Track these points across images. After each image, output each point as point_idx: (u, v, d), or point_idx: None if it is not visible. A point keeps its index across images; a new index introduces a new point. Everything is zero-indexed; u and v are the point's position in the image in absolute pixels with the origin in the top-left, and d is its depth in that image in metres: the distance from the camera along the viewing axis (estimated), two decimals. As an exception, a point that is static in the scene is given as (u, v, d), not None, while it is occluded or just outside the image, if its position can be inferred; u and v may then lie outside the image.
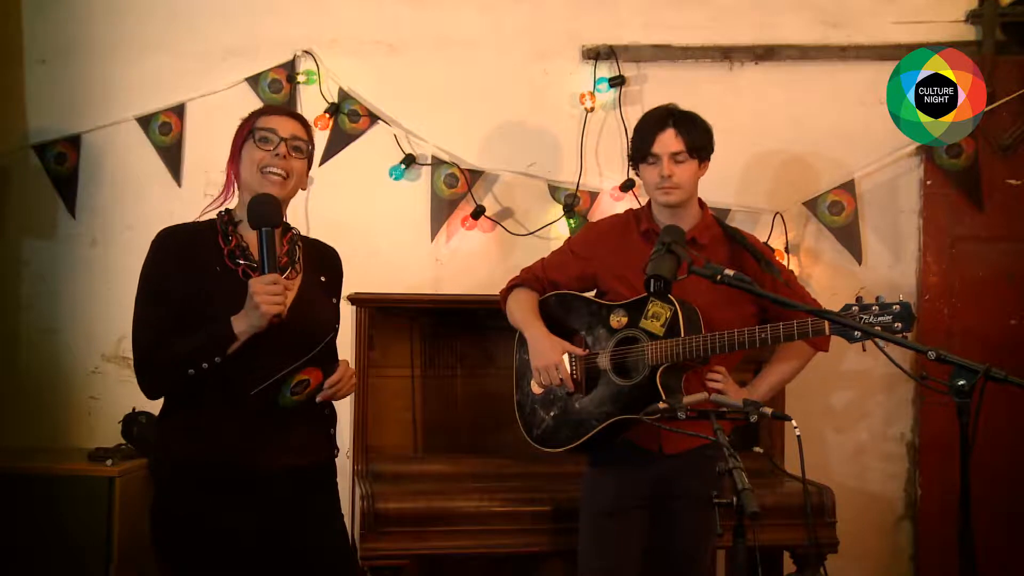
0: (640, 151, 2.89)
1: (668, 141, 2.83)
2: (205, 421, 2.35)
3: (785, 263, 3.82)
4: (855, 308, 2.48)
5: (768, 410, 2.32)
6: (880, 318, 2.44)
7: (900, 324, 2.43)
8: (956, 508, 2.05)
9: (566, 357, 2.91)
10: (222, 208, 2.53)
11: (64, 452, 3.92)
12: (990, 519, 3.46)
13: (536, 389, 3.00)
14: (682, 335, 2.72)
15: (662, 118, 2.88)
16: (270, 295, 2.27)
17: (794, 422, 2.29)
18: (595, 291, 3.05)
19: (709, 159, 2.90)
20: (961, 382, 1.98)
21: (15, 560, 3.63)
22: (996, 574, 3.48)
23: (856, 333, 2.45)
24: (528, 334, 2.97)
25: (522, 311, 3.01)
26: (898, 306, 2.44)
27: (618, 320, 2.88)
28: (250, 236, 2.44)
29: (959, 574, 2.06)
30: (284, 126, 2.46)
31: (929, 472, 3.87)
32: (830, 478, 3.68)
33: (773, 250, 3.24)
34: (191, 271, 2.37)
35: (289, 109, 2.56)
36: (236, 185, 2.50)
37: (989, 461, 3.45)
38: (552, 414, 2.99)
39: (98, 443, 3.91)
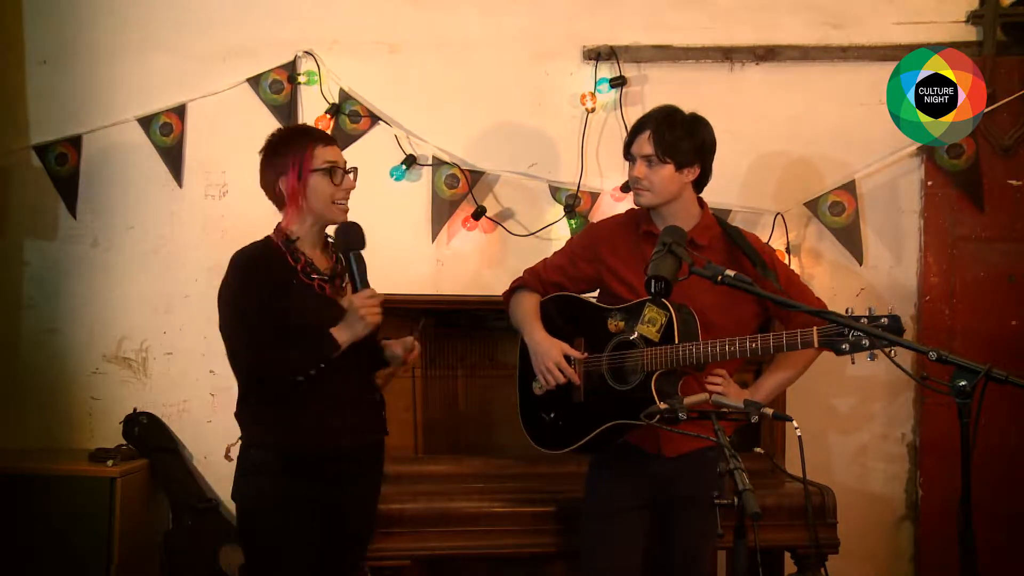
0: (625, 151, 2.92)
1: (642, 144, 2.83)
2: (293, 410, 2.65)
3: (786, 263, 3.82)
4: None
5: (769, 411, 2.32)
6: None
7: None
8: (957, 509, 2.05)
9: (565, 358, 2.92)
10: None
11: (65, 453, 3.93)
12: (991, 520, 3.45)
13: (537, 391, 3.01)
14: (676, 341, 2.72)
15: (644, 121, 2.88)
16: (372, 307, 2.64)
17: (795, 423, 2.29)
18: (599, 292, 3.05)
19: (696, 165, 2.84)
20: (962, 383, 1.98)
21: (16, 560, 3.64)
22: (997, 575, 3.48)
23: (844, 346, 2.44)
24: (527, 337, 2.98)
25: (523, 313, 3.02)
26: (886, 319, 2.38)
27: (615, 324, 2.88)
28: (311, 252, 2.73)
29: (960, 575, 2.06)
30: (340, 156, 2.73)
31: (930, 473, 3.86)
32: (831, 479, 3.68)
33: (774, 250, 3.22)
34: (274, 288, 2.64)
35: (332, 137, 2.82)
36: (296, 205, 2.69)
37: (990, 462, 3.45)
38: (552, 415, 2.99)
39: (99, 444, 3.92)
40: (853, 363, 2.46)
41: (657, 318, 2.77)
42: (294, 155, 2.67)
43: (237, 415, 2.75)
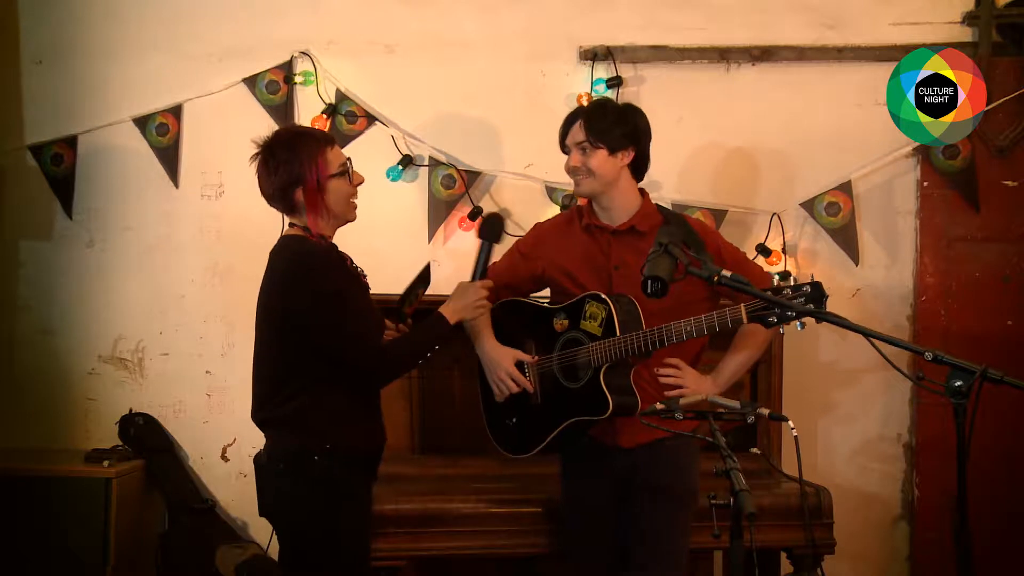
0: (560, 144, 2.95)
1: (575, 133, 2.89)
2: (358, 410, 2.66)
3: (781, 262, 3.82)
4: (768, 293, 2.48)
5: (765, 411, 2.32)
6: (793, 301, 2.43)
7: (812, 305, 2.41)
8: (952, 509, 2.05)
9: (518, 365, 2.93)
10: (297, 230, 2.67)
11: (61, 453, 3.93)
12: (986, 520, 3.46)
13: (498, 397, 3.00)
14: (618, 334, 2.74)
15: (576, 112, 2.94)
16: (485, 296, 2.83)
17: (791, 423, 2.29)
18: (550, 291, 3.06)
19: (630, 148, 2.86)
20: (958, 383, 1.98)
21: (13, 561, 3.64)
22: (992, 575, 3.49)
23: (771, 319, 2.50)
24: (478, 348, 3.00)
25: (473, 323, 2.98)
26: (809, 287, 2.43)
27: (560, 323, 2.90)
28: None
29: (955, 575, 2.07)
30: (343, 153, 2.69)
31: (926, 473, 3.86)
32: (827, 479, 3.68)
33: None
34: (352, 280, 2.67)
35: (331, 135, 2.79)
36: (317, 212, 2.62)
37: (985, 462, 3.45)
38: (514, 420, 3.02)
39: (95, 444, 3.92)
40: (782, 332, 2.46)
41: (598, 312, 2.79)
42: (308, 163, 2.57)
43: (302, 419, 2.57)
